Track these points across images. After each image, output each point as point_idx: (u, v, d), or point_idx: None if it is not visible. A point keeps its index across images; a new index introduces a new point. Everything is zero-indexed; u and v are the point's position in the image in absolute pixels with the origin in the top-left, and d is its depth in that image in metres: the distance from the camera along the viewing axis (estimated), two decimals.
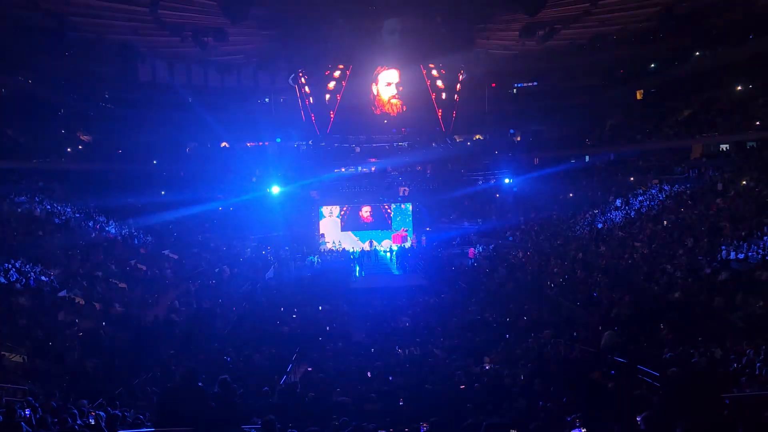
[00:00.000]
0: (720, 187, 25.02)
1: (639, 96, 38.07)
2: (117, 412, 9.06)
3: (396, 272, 31.98)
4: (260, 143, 41.25)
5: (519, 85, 41.59)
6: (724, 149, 29.52)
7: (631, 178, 32.76)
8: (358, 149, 37.63)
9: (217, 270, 28.15)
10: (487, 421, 3.45)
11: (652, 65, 35.67)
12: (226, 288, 26.02)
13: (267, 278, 28.46)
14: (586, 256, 25.76)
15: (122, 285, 22.54)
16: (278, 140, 40.89)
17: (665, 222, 24.77)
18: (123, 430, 7.48)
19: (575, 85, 38.36)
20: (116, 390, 12.89)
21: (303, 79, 35.62)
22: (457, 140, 40.18)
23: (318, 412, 10.10)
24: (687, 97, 33.12)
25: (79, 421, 7.87)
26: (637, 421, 6.86)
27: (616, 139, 36.19)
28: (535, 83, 41.36)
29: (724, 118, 28.88)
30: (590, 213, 30.92)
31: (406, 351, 16.34)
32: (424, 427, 6.05)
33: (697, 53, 32.03)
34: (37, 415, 8.55)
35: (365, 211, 37.66)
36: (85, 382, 14.06)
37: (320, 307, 23.33)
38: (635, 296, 19.93)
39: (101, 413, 8.18)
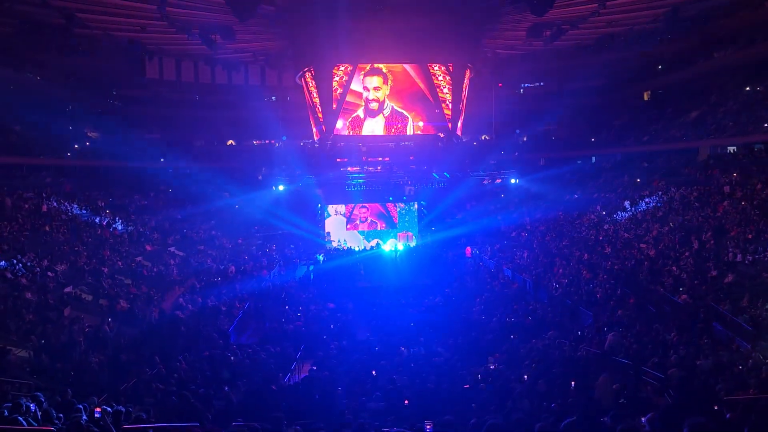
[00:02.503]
0: (727, 189, 24.90)
1: (646, 97, 37.96)
2: (121, 407, 9.09)
3: (401, 271, 31.95)
4: (267, 141, 41.30)
5: (526, 85, 41.50)
6: (732, 151, 29.38)
7: (638, 180, 32.64)
8: (364, 148, 37.58)
9: (222, 267, 28.25)
10: (490, 421, 3.46)
11: (660, 66, 35.54)
12: (231, 285, 26.08)
13: (272, 275, 28.52)
14: (592, 257, 25.70)
15: (128, 281, 22.62)
16: (284, 138, 40.95)
17: (671, 224, 24.68)
18: (128, 425, 7.50)
19: (582, 86, 38.24)
20: (121, 386, 12.95)
21: (310, 78, 35.60)
22: (464, 140, 40.12)
23: (322, 410, 10.14)
24: (694, 99, 32.98)
25: (84, 417, 7.90)
26: (642, 422, 6.85)
27: (622, 141, 36.09)
28: (542, 83, 41.28)
29: (731, 119, 28.76)
30: (596, 214, 30.84)
31: (411, 350, 16.35)
32: (429, 426, 6.03)
33: (705, 55, 31.88)
34: (42, 410, 8.60)
35: (370, 210, 37.74)
36: (90, 378, 14.11)
37: (330, 305, 23.43)
38: (640, 298, 19.88)
39: (107, 408, 8.21)
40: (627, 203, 29.65)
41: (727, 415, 6.71)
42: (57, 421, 7.70)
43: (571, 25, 28.88)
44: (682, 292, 18.59)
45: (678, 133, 31.81)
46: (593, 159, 38.89)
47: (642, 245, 24.18)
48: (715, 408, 8.24)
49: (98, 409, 7.47)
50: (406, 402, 11.13)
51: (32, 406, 8.52)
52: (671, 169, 31.29)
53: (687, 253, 21.22)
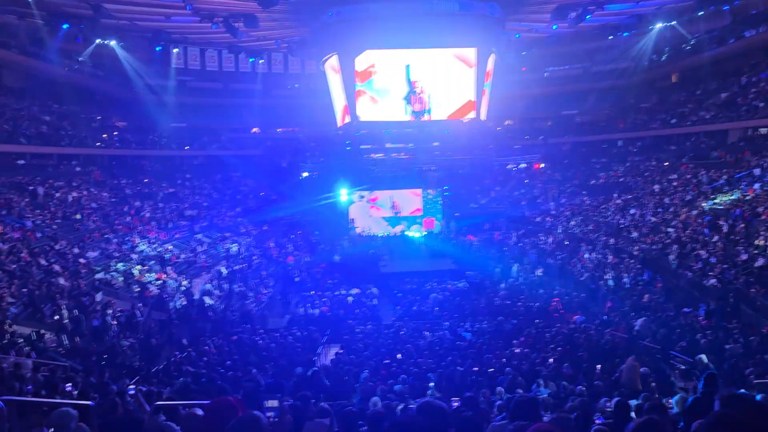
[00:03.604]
0: (758, 172, 24.40)
1: (674, 79, 37.18)
2: (153, 388, 9.34)
3: (425, 257, 32.01)
4: (291, 129, 41.46)
5: (551, 69, 40.93)
6: (763, 133, 28.72)
7: (666, 163, 32.13)
8: (387, 134, 37.51)
9: (248, 254, 28.66)
10: (516, 397, 3.54)
11: (688, 47, 34.74)
12: (257, 271, 26.44)
13: (297, 262, 28.82)
14: (618, 242, 25.45)
15: (157, 267, 23.04)
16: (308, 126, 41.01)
17: (700, 207, 24.31)
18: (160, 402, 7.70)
19: (608, 68, 37.61)
20: (152, 368, 13.28)
21: (333, 64, 35.56)
22: (488, 125, 39.79)
23: (348, 390, 10.27)
24: (724, 80, 32.24)
25: (117, 396, 8.14)
26: (670, 402, 6.84)
27: (649, 124, 35.48)
28: (567, 67, 40.67)
29: (763, 101, 28.08)
30: (622, 198, 30.48)
31: (436, 334, 16.43)
32: (456, 401, 6.11)
33: (735, 34, 31.09)
34: (77, 390, 8.88)
35: (394, 196, 37.74)
36: (122, 361, 14.48)
37: (355, 290, 23.64)
38: (669, 282, 19.68)
39: (141, 387, 8.45)
40: (655, 187, 29.25)
41: (758, 397, 6.63)
42: (92, 400, 7.92)
43: (597, 6, 28.36)
44: (711, 276, 18.34)
45: (707, 115, 31.17)
46: (619, 143, 38.33)
47: (669, 229, 23.88)
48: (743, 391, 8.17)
49: (132, 386, 7.70)
50: (432, 385, 11.21)
51: (68, 387, 8.82)
52: (700, 152, 30.73)
53: (716, 237, 20.90)
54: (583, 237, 28.29)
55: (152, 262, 23.29)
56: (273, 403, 4.78)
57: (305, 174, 35.39)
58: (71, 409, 5.02)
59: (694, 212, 24.17)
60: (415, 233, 36.05)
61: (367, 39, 32.07)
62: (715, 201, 23.78)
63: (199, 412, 3.89)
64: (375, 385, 11.07)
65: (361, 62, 33.30)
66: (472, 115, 34.92)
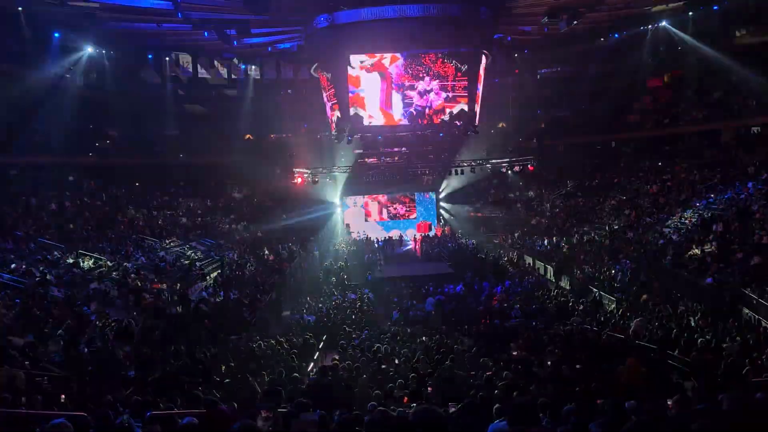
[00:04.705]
0: (752, 170, 24.49)
1: (666, 79, 37.32)
2: (149, 398, 9.25)
3: (421, 261, 32.00)
4: (284, 135, 41.40)
5: (543, 71, 41.01)
6: (756, 131, 28.87)
7: (659, 163, 32.23)
8: (380, 138, 37.50)
9: (243, 261, 28.53)
10: (515, 401, 3.50)
11: (680, 47, 34.90)
12: (253, 278, 26.31)
13: (292, 267, 28.72)
14: (614, 243, 25.48)
15: (151, 276, 22.90)
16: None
17: (694, 206, 24.38)
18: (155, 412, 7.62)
19: (600, 70, 37.70)
20: (148, 378, 13.13)
21: (325, 70, 35.55)
22: (481, 128, 39.80)
23: (346, 397, 10.19)
24: (717, 79, 32.37)
25: (110, 407, 8.06)
26: (668, 404, 6.81)
27: (643, 124, 35.59)
28: (559, 68, 40.77)
29: (756, 100, 28.22)
30: (617, 199, 30.54)
31: (433, 338, 16.38)
32: (454, 406, 6.07)
33: (726, 34, 31.25)
34: (72, 401, 8.79)
35: (389, 201, 37.74)
36: (117, 371, 14.34)
37: (351, 295, 23.58)
38: (665, 282, 19.70)
39: (137, 398, 8.38)
40: (649, 187, 29.33)
41: (758, 395, 6.61)
42: (87, 411, 7.85)
43: (588, 8, 28.46)
44: (707, 275, 18.36)
45: (700, 114, 31.29)
46: (613, 144, 38.42)
47: (665, 229, 23.94)
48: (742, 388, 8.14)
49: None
50: (429, 390, 11.15)
51: (62, 398, 8.74)
52: (693, 152, 30.84)
53: (711, 236, 20.95)
54: (579, 238, 28.33)
55: (146, 270, 23.18)
56: (267, 412, 4.74)
57: (299, 180, 35.30)
58: (66, 420, 4.96)
59: (689, 212, 24.25)
60: (410, 237, 36.06)
61: (357, 43, 32.06)
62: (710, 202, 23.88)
63: (195, 421, 3.83)
64: (372, 391, 11.01)
65: (352, 67, 33.26)
66: (464, 115, 34.93)
